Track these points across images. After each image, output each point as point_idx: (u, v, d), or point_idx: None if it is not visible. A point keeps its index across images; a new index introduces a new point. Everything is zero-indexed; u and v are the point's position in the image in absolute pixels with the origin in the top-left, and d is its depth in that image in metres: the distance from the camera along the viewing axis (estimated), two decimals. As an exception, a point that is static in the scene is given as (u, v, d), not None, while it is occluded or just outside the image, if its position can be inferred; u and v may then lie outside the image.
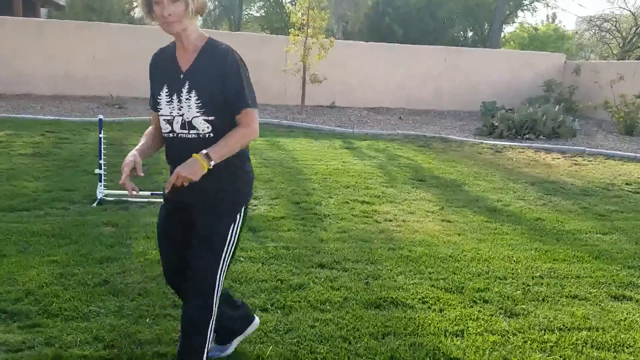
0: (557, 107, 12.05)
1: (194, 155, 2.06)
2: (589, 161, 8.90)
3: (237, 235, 2.29)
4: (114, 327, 2.87)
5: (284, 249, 4.15)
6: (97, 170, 5.19)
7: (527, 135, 11.01)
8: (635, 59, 21.30)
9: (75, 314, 2.99)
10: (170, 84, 2.22)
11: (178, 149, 2.21)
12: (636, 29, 24.05)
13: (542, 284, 3.80)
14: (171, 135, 2.23)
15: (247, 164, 2.33)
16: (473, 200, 6.01)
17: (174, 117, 2.20)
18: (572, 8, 71.28)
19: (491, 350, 2.88)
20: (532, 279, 3.88)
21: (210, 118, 2.16)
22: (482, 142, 10.36)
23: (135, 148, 2.27)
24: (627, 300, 3.60)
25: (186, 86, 2.18)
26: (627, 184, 7.25)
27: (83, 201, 5.11)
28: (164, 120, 2.23)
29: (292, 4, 22.61)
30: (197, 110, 2.16)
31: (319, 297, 3.37)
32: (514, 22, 29.17)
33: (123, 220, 4.61)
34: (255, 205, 5.25)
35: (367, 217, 5.19)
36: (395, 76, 15.00)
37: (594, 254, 4.44)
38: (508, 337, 3.04)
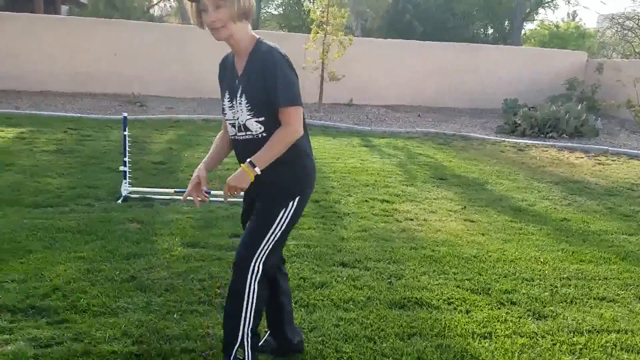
0: (579, 105, 11.87)
1: (241, 164, 2.25)
2: (613, 161, 8.76)
3: (287, 221, 2.34)
4: (142, 322, 2.89)
5: (305, 247, 4.15)
6: (121, 168, 5.23)
7: (550, 134, 10.88)
8: (660, 57, 20.90)
9: (104, 309, 3.01)
10: (230, 90, 2.34)
11: (240, 150, 2.39)
12: (660, 27, 23.61)
13: (570, 285, 3.75)
14: (234, 137, 2.39)
15: (303, 159, 2.37)
16: (496, 200, 5.95)
17: (235, 121, 2.33)
18: (594, 6, 70.31)
19: (520, 352, 2.85)
20: (560, 280, 3.83)
21: (260, 119, 2.26)
22: (504, 140, 10.26)
23: (203, 160, 2.48)
24: (657, 303, 3.54)
25: (239, 91, 2.29)
26: (653, 184, 7.13)
27: (107, 198, 5.16)
28: (229, 124, 2.39)
29: (310, 2, 22.59)
30: (248, 113, 2.27)
31: (342, 295, 3.36)
32: (534, 19, 28.85)
33: (147, 217, 4.64)
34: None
35: (387, 215, 5.17)
36: (414, 73, 14.91)
37: (621, 255, 4.37)
38: (537, 339, 3.00)
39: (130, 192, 5.24)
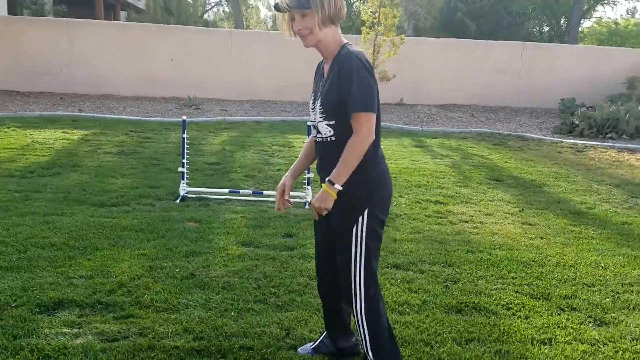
0: (641, 104, 11.37)
1: (322, 184, 2.26)
2: (680, 162, 8.34)
3: (363, 237, 2.30)
4: (202, 319, 2.98)
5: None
6: (180, 169, 5.41)
7: (609, 135, 10.47)
8: None
9: (166, 305, 3.13)
10: (314, 93, 2.40)
11: (318, 151, 2.45)
12: None
13: (632, 291, 3.61)
14: (314, 138, 2.45)
15: (369, 169, 2.28)
16: (554, 202, 5.78)
17: (314, 122, 2.39)
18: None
19: (581, 359, 2.77)
20: (622, 286, 3.69)
21: (331, 122, 2.28)
22: (561, 141, 9.95)
23: (291, 168, 2.56)
24: None
25: (318, 93, 2.34)
26: None
27: (167, 198, 5.34)
28: (311, 125, 2.44)
29: (362, 2, 22.56)
30: (320, 115, 2.31)
31: (397, 298, 3.35)
32: (592, 16, 27.80)
33: (204, 216, 4.78)
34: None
35: (440, 217, 5.11)
36: (467, 72, 14.65)
37: (690, 262, 4.16)
38: (598, 346, 2.91)
39: (187, 192, 5.41)
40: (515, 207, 5.56)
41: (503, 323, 3.10)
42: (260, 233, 4.41)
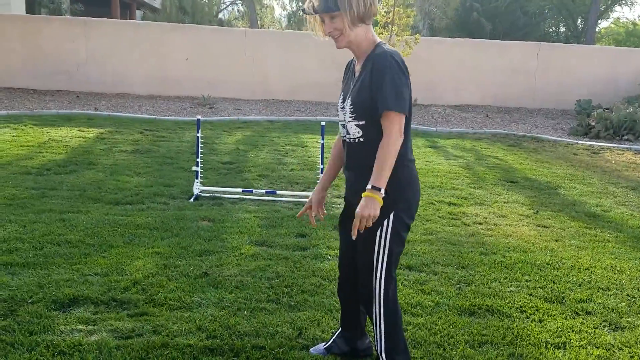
0: (661, 106, 11.22)
1: (364, 194, 2.14)
2: (699, 165, 8.22)
3: (387, 240, 2.28)
4: (215, 318, 3.00)
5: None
6: (194, 168, 5.44)
7: (626, 137, 10.35)
8: None
9: (179, 303, 3.15)
10: (344, 92, 2.36)
11: (345, 152, 2.40)
12: None
13: (650, 297, 3.56)
14: (342, 138, 2.42)
15: (398, 171, 2.23)
16: (570, 205, 5.73)
17: (344, 122, 2.35)
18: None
19: (596, 364, 2.75)
20: (638, 290, 3.65)
21: (361, 123, 2.25)
22: (577, 143, 9.85)
23: (321, 177, 2.52)
24: None
25: (349, 93, 2.30)
26: None
27: (181, 196, 5.37)
28: (340, 124, 2.41)
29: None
30: (350, 115, 2.28)
31: (410, 300, 3.34)
32: (609, 17, 27.49)
33: (218, 215, 4.80)
34: (339, 204, 5.30)
35: (454, 219, 5.09)
36: (482, 72, 14.55)
37: None
38: (613, 351, 2.88)
39: (201, 191, 5.44)
40: (529, 209, 5.51)
41: (517, 326, 3.08)
42: (273, 233, 4.42)
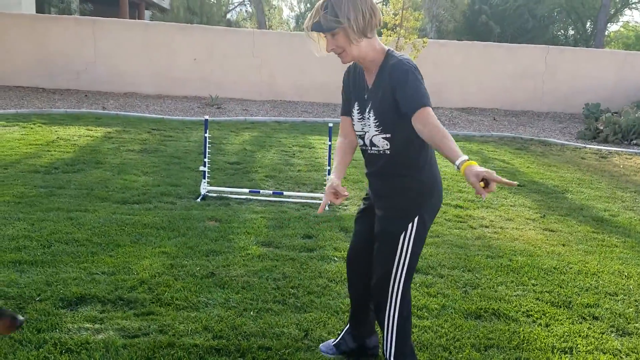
0: (670, 110, 11.15)
1: (464, 167, 1.92)
2: None
3: (410, 243, 2.30)
4: (222, 318, 3.01)
5: (378, 251, 4.14)
6: (201, 168, 5.46)
7: (634, 141, 10.29)
8: None
9: (186, 303, 3.16)
10: (360, 102, 2.34)
11: (369, 162, 2.40)
12: None
13: (658, 302, 3.54)
14: (363, 148, 2.40)
15: (422, 173, 2.30)
16: (577, 209, 5.70)
17: (364, 134, 2.33)
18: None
19: (603, 370, 2.74)
20: (646, 296, 3.63)
21: (387, 135, 2.25)
22: (585, 147, 9.81)
23: (333, 170, 2.47)
24: None
25: (369, 106, 2.28)
26: None
27: (188, 196, 5.39)
28: (357, 135, 2.39)
29: (384, 4, 22.50)
30: (375, 129, 2.27)
31: (416, 302, 3.34)
32: (618, 20, 27.36)
33: (224, 216, 4.81)
34: (346, 206, 5.30)
35: (460, 222, 5.08)
36: (489, 75, 14.52)
37: None
38: (621, 356, 2.86)
39: (208, 191, 5.45)
40: (536, 212, 5.49)
41: (523, 330, 3.07)
42: (280, 234, 4.43)
